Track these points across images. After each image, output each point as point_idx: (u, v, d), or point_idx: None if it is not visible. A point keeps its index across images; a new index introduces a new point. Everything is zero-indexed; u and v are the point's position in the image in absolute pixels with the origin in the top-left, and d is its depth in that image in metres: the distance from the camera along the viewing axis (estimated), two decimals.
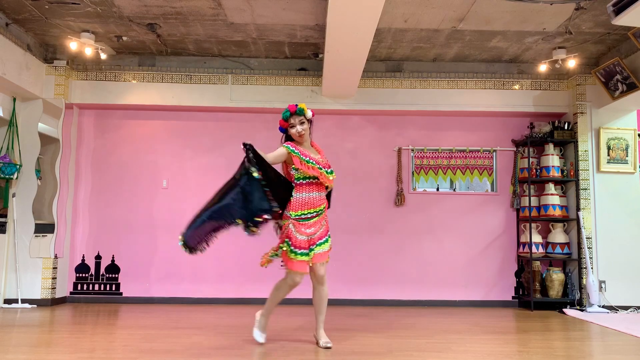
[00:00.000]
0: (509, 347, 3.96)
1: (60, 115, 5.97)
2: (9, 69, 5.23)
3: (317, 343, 3.80)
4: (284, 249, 3.65)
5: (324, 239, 3.74)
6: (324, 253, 3.72)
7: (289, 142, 3.79)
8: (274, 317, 5.25)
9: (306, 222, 3.67)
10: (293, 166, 3.69)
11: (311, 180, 3.71)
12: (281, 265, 3.75)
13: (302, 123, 3.76)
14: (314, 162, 3.69)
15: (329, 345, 3.72)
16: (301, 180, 3.71)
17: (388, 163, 6.44)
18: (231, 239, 6.23)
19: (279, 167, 3.85)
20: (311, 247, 3.66)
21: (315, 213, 3.71)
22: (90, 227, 6.30)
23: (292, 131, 3.77)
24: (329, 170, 3.78)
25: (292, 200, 3.70)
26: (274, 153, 3.73)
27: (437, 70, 6.35)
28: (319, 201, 3.73)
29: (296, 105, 3.75)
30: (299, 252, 3.61)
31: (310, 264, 3.67)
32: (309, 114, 3.79)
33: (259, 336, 3.83)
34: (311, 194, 3.71)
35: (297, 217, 3.67)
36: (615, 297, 5.91)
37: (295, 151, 3.69)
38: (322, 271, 3.75)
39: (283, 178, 3.80)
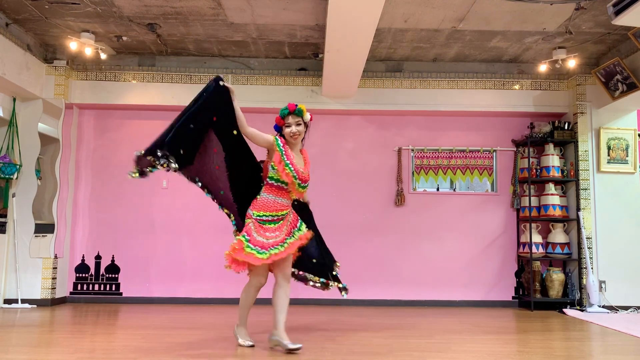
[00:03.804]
0: (509, 347, 3.96)
1: (60, 115, 5.97)
2: (9, 69, 5.23)
3: (280, 345, 3.58)
4: (241, 239, 3.47)
5: (286, 239, 3.56)
6: (289, 246, 3.53)
7: (280, 138, 3.67)
8: (272, 317, 5.25)
9: (267, 225, 3.56)
10: (272, 163, 3.57)
11: (282, 184, 3.58)
12: (248, 274, 3.68)
13: (298, 124, 3.65)
14: (292, 169, 3.55)
15: (298, 345, 3.53)
16: (273, 182, 3.58)
17: (388, 163, 6.44)
18: (231, 239, 6.25)
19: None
20: (270, 248, 3.48)
21: (276, 217, 3.59)
22: (90, 227, 6.30)
23: (287, 131, 3.64)
24: (303, 184, 3.63)
25: (257, 199, 3.61)
26: (259, 132, 3.66)
27: (437, 70, 6.35)
28: (282, 206, 3.61)
29: (296, 105, 3.66)
30: (254, 248, 3.45)
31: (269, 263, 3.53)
32: (307, 116, 3.69)
33: (245, 342, 3.75)
34: (278, 199, 3.59)
35: (258, 217, 3.56)
36: (615, 297, 5.91)
37: (282, 148, 3.58)
38: (289, 269, 3.69)
39: (250, 164, 3.75)
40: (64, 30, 5.51)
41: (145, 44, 5.92)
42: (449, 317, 5.39)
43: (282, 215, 3.62)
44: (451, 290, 6.26)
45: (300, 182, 3.60)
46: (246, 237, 3.49)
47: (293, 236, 3.62)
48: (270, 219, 3.58)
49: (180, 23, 5.33)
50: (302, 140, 3.76)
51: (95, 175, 6.37)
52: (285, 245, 3.53)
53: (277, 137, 3.66)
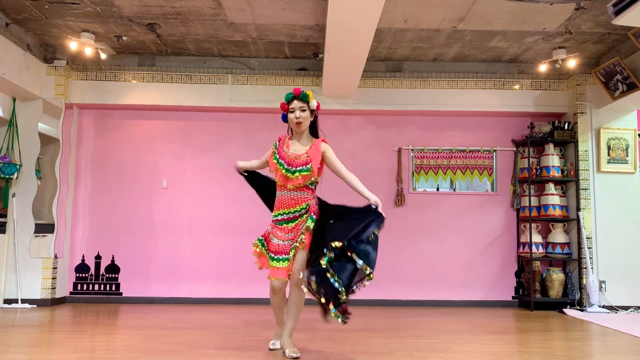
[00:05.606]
0: (509, 347, 3.96)
1: (60, 115, 5.97)
2: (9, 69, 5.23)
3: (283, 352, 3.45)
4: (257, 245, 3.47)
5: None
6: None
7: (281, 135, 3.61)
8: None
9: (283, 225, 3.40)
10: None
11: (278, 179, 3.47)
12: (260, 268, 3.48)
13: (302, 110, 3.43)
14: (281, 160, 3.41)
15: (296, 355, 3.34)
16: (277, 179, 3.48)
17: (388, 163, 6.44)
18: (231, 239, 6.26)
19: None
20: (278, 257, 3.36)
21: (291, 214, 3.39)
22: (90, 227, 6.30)
23: (290, 116, 3.45)
24: (294, 169, 3.36)
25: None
26: (264, 155, 3.69)
27: (437, 70, 6.35)
28: (290, 201, 3.39)
29: (302, 90, 3.47)
30: (275, 257, 3.35)
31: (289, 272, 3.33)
32: (313, 103, 3.47)
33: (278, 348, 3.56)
34: (281, 193, 3.43)
35: (274, 218, 3.45)
36: (615, 297, 5.91)
37: (276, 144, 3.52)
38: (298, 275, 3.29)
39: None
40: (64, 30, 5.51)
41: (145, 44, 5.91)
42: (449, 317, 5.39)
43: (296, 211, 3.39)
44: (451, 290, 6.26)
45: (291, 168, 3.38)
46: (262, 241, 3.48)
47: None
48: (284, 217, 3.41)
49: (180, 23, 5.33)
50: (317, 132, 3.57)
51: (95, 175, 6.37)
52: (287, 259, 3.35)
53: (277, 140, 3.59)
